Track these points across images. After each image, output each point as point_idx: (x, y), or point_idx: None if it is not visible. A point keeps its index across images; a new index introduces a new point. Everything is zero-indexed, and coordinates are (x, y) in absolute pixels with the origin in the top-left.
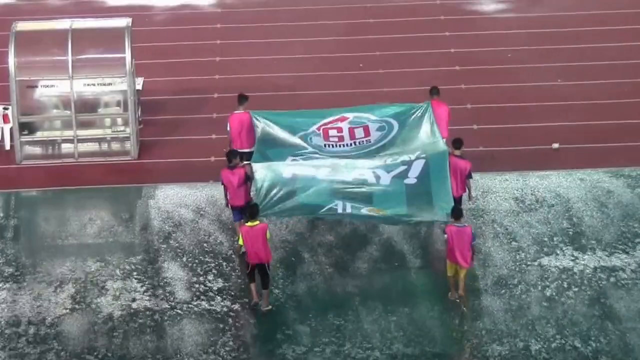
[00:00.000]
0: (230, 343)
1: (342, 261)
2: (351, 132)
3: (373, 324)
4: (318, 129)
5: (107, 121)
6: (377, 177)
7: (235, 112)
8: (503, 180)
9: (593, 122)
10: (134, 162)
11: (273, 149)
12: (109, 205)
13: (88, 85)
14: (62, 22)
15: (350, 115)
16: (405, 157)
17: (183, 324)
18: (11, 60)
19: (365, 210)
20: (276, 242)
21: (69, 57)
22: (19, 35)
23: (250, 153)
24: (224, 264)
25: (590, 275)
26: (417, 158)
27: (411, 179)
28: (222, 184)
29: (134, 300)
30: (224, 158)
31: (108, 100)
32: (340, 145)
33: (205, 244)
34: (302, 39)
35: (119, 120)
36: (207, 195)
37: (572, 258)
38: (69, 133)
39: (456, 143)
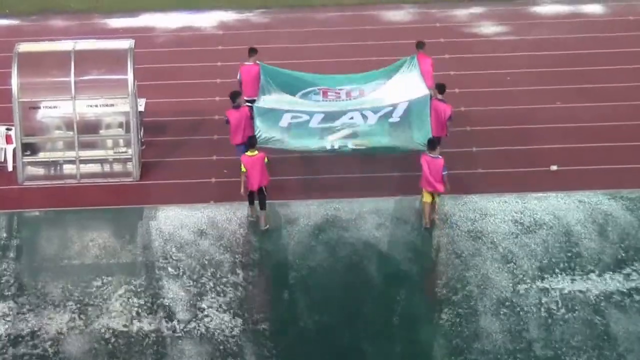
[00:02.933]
0: None
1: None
2: (348, 94)
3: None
4: (319, 89)
5: (109, 142)
6: (365, 118)
7: (246, 63)
8: (502, 201)
9: (591, 144)
10: (136, 184)
11: (274, 98)
12: (110, 226)
13: (90, 106)
14: (65, 44)
15: (347, 87)
16: (392, 101)
17: (183, 345)
18: (14, 81)
19: (351, 145)
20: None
21: (72, 79)
22: (21, 56)
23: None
24: (225, 284)
25: (588, 298)
26: (402, 101)
27: (395, 118)
28: (227, 122)
29: (134, 320)
30: (226, 172)
31: (110, 121)
32: (336, 99)
33: (205, 265)
34: (303, 61)
35: (121, 142)
36: (208, 216)
37: (571, 280)
38: (71, 154)
39: (440, 87)
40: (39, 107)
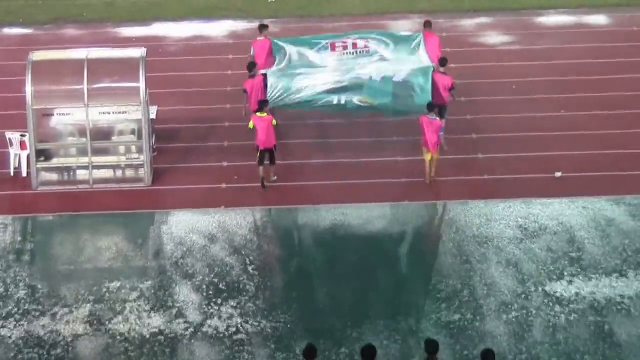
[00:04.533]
0: None
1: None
2: (354, 45)
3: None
4: (327, 43)
5: (122, 149)
6: (370, 75)
7: (258, 38)
8: (507, 207)
9: (595, 151)
10: (147, 189)
11: (288, 67)
12: (122, 230)
13: (103, 113)
14: (78, 52)
15: (354, 36)
16: (397, 67)
17: (195, 346)
18: (28, 89)
19: (356, 100)
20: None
21: (85, 86)
22: (35, 64)
23: None
24: (235, 287)
25: (592, 302)
26: (405, 68)
27: (398, 78)
28: (244, 91)
29: (147, 322)
30: (236, 178)
31: (122, 128)
32: (343, 53)
33: (216, 269)
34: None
35: (133, 148)
36: (219, 221)
37: (575, 284)
38: (84, 160)
39: (442, 61)
40: (53, 114)
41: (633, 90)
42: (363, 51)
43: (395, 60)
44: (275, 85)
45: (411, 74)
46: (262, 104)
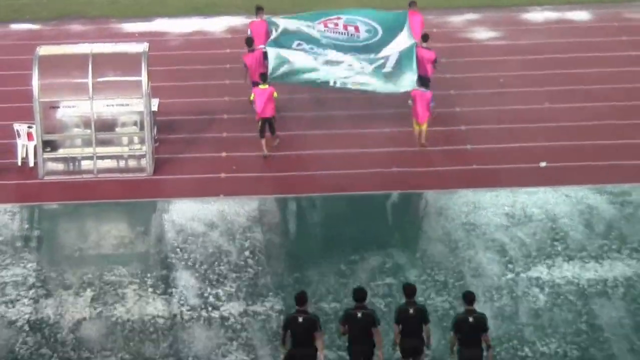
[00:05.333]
0: (239, 347)
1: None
2: (345, 27)
3: None
4: (319, 22)
5: (125, 140)
6: (362, 67)
7: (254, 20)
8: (494, 196)
9: (578, 142)
10: (150, 178)
11: (284, 35)
12: (125, 218)
13: (107, 106)
14: (83, 47)
15: (344, 16)
16: (385, 53)
17: (194, 329)
18: (35, 82)
19: (350, 85)
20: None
21: (90, 80)
22: (42, 59)
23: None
24: (234, 273)
25: (575, 286)
26: (393, 53)
27: (388, 69)
28: (244, 65)
29: (148, 306)
30: (235, 168)
31: (125, 120)
32: (335, 32)
33: (215, 255)
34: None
35: (136, 139)
36: (218, 209)
37: (559, 270)
38: (88, 150)
39: (424, 37)
40: (59, 107)
41: (615, 84)
42: (354, 35)
43: (383, 43)
44: (276, 60)
45: (398, 60)
46: (263, 77)
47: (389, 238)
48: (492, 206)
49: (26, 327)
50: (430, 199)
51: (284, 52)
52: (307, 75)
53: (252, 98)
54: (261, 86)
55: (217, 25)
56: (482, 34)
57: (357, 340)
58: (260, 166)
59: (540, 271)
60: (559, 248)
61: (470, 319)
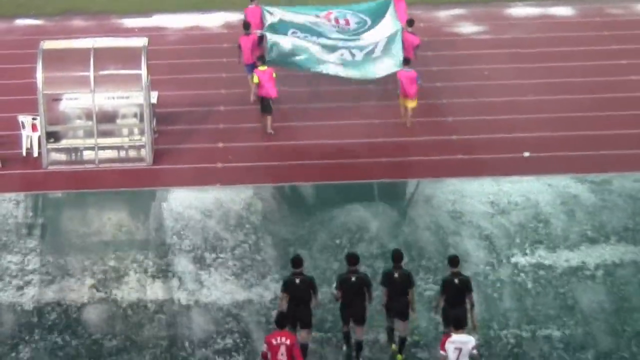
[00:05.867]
0: (235, 330)
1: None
2: (336, 21)
3: None
4: (312, 15)
5: (125, 131)
6: (353, 55)
7: (249, 6)
8: (479, 185)
9: (560, 132)
10: (149, 168)
11: (280, 23)
12: (125, 206)
13: (108, 98)
14: (85, 41)
15: (335, 11)
16: (374, 40)
17: (192, 313)
18: (39, 76)
19: (343, 74)
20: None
21: (91, 73)
22: (46, 53)
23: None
24: (230, 258)
25: (556, 271)
26: (381, 39)
27: (377, 54)
28: (239, 47)
29: (147, 290)
30: (231, 157)
31: (126, 112)
32: (327, 25)
33: (212, 241)
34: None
35: (136, 130)
36: (215, 197)
37: (541, 255)
38: (90, 141)
39: (409, 22)
40: (62, 99)
41: (596, 76)
42: (345, 29)
43: (373, 34)
44: (273, 44)
45: (386, 45)
46: (262, 59)
47: (378, 224)
48: (477, 194)
49: (31, 310)
50: (418, 186)
51: (280, 38)
52: (300, 59)
53: (255, 80)
54: (261, 67)
55: (214, 20)
56: (468, 29)
57: (350, 303)
58: (255, 156)
59: (524, 256)
60: (542, 235)
61: (456, 281)
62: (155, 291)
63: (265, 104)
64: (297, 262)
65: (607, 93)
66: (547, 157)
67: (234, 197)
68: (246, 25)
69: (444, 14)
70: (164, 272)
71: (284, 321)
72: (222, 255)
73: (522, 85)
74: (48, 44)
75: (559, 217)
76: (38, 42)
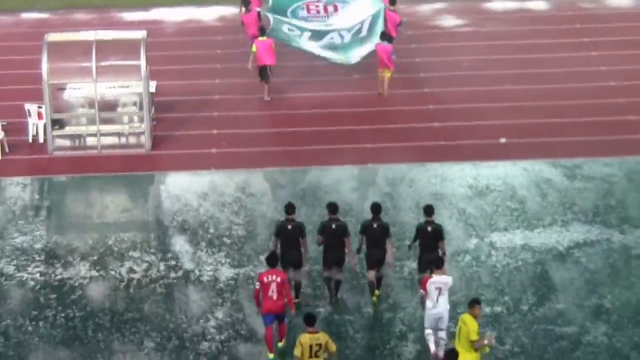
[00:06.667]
0: (230, 307)
1: None
2: (325, 8)
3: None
4: (303, 4)
5: (125, 118)
6: (342, 37)
7: None
8: (459, 169)
9: (535, 120)
10: (148, 154)
11: (276, 13)
12: (126, 189)
13: (109, 87)
14: (88, 34)
15: (323, 1)
16: (360, 18)
17: (189, 290)
18: (44, 66)
19: (334, 58)
20: None
21: (93, 64)
22: (50, 45)
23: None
24: (224, 239)
25: (531, 249)
26: (366, 17)
27: (363, 33)
28: (242, 23)
29: (147, 269)
30: (225, 144)
31: (126, 100)
32: (317, 17)
33: (207, 222)
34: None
35: (135, 118)
36: (210, 181)
37: (517, 235)
38: (93, 128)
39: (391, 1)
40: (66, 88)
41: (569, 67)
42: (333, 14)
43: (358, 10)
44: (274, 21)
45: (371, 23)
46: (262, 31)
47: (364, 206)
48: (457, 178)
49: (37, 287)
50: (401, 171)
51: (278, 21)
52: (295, 43)
53: (254, 49)
54: (261, 38)
55: (209, 14)
56: (449, 22)
57: (331, 248)
58: (248, 142)
59: (500, 236)
60: (517, 216)
61: (429, 229)
62: (153, 268)
63: (263, 72)
64: (290, 208)
65: (578, 83)
66: (523, 143)
67: (228, 181)
68: (246, 3)
69: (426, 8)
70: (162, 251)
71: (274, 260)
72: (216, 235)
73: (499, 76)
74: (52, 37)
75: (533, 199)
76: (43, 35)
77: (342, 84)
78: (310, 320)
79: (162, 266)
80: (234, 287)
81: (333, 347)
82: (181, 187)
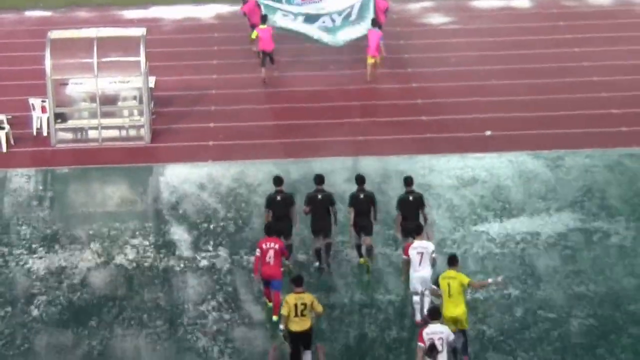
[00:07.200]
0: (226, 292)
1: None
2: None
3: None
4: None
5: (126, 112)
6: (333, 21)
7: None
8: (446, 161)
9: (519, 113)
10: (147, 146)
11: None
12: (126, 180)
13: (110, 83)
14: (89, 31)
15: None
16: (350, 2)
17: (187, 276)
18: (47, 62)
19: (325, 40)
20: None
21: (95, 60)
22: (53, 41)
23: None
24: (221, 228)
25: (515, 238)
26: (356, 1)
27: (353, 17)
28: (244, 14)
29: (146, 257)
30: (221, 137)
31: (126, 95)
32: (311, 2)
33: (205, 212)
34: (292, 45)
35: (135, 112)
36: (207, 172)
37: (501, 223)
38: (94, 122)
39: None
40: (68, 84)
41: (552, 63)
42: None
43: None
44: (269, 10)
45: (360, 9)
46: (263, 19)
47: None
48: (444, 169)
49: (40, 274)
50: (392, 163)
51: (273, 10)
52: (287, 26)
53: (254, 36)
54: (261, 26)
55: (206, 12)
56: (436, 19)
57: (318, 217)
58: (244, 135)
59: (486, 225)
60: (502, 205)
61: (410, 198)
62: (152, 257)
63: (264, 57)
64: (277, 181)
65: (561, 78)
66: (507, 136)
67: (224, 172)
68: None
69: (414, 6)
70: (161, 240)
71: (270, 230)
72: (213, 224)
73: (485, 71)
74: (55, 34)
75: (517, 190)
76: (46, 32)
77: (334, 77)
78: (297, 281)
79: (160, 253)
80: (230, 273)
81: (319, 307)
82: (179, 178)
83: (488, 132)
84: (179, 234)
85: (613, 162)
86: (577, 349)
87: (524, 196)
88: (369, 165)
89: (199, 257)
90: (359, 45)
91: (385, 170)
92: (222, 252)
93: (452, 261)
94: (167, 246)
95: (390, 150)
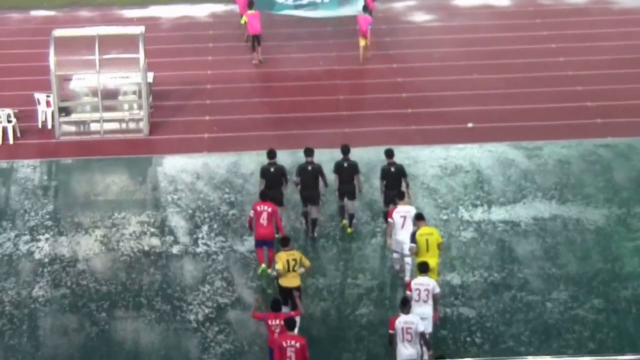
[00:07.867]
0: (223, 277)
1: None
2: None
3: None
4: None
5: (126, 106)
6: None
7: None
8: (430, 151)
9: (499, 106)
10: (146, 138)
11: None
12: (126, 171)
13: (111, 78)
14: (91, 29)
15: None
16: None
17: (184, 262)
18: (51, 59)
19: (314, 15)
20: None
21: (97, 57)
22: (57, 39)
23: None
24: (217, 216)
25: (496, 225)
26: None
27: None
28: (234, 2)
29: (146, 243)
30: (216, 129)
31: (126, 90)
32: None
33: (201, 200)
34: (276, 44)
35: (135, 105)
36: (202, 163)
37: (483, 211)
38: (96, 115)
39: None
40: (71, 79)
41: (529, 58)
42: None
43: None
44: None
45: None
46: (251, 4)
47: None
48: (428, 160)
49: (45, 261)
50: (378, 154)
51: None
52: (276, 6)
53: (243, 22)
54: (249, 11)
55: (201, 11)
56: (420, 17)
57: (307, 187)
58: (237, 127)
59: (468, 212)
60: (484, 193)
61: (392, 169)
62: (151, 243)
63: (254, 41)
64: (271, 154)
65: (538, 72)
66: (488, 128)
67: (219, 163)
68: None
69: (399, 5)
70: (160, 227)
71: (265, 196)
72: (209, 212)
73: (466, 66)
74: (59, 32)
75: (498, 179)
76: (50, 31)
77: (322, 71)
78: (285, 241)
79: (159, 240)
80: (224, 258)
81: (307, 262)
82: (176, 169)
83: (470, 124)
84: (176, 221)
85: (588, 152)
86: (553, 329)
87: (504, 185)
88: (357, 156)
89: (195, 243)
90: (349, 30)
91: (372, 161)
92: (218, 237)
93: (421, 217)
94: (164, 232)
95: (376, 141)
